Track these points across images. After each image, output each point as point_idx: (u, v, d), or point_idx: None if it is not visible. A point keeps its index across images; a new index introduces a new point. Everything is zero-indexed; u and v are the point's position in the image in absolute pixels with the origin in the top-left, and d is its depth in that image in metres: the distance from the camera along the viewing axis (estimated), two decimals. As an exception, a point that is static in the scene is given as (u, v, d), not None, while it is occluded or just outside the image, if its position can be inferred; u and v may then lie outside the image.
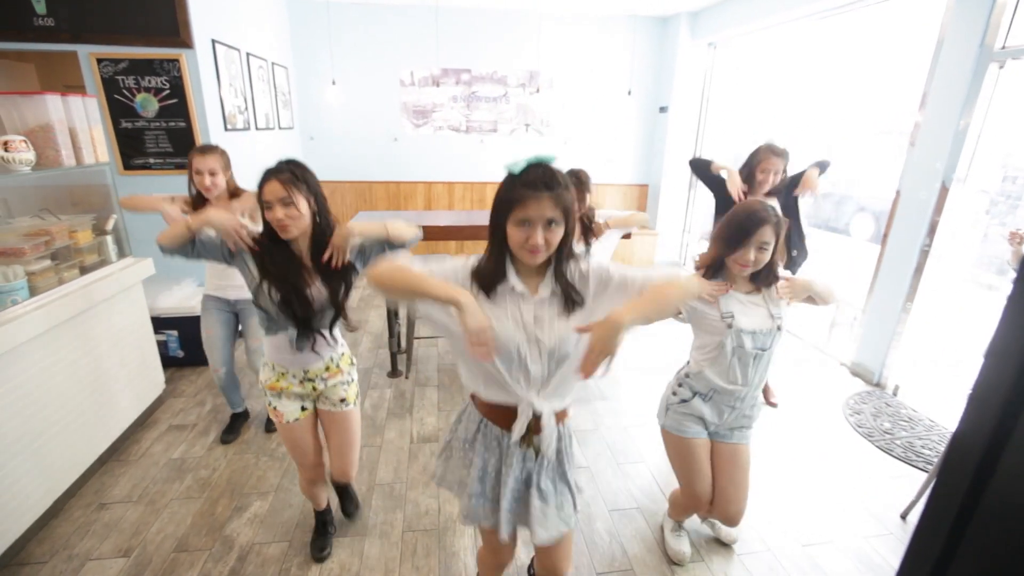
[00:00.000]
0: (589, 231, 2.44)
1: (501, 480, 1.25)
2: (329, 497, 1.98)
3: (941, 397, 3.05)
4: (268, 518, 2.04)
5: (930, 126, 2.85)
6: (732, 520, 1.77)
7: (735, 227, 1.54)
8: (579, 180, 2.34)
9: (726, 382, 1.63)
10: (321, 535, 1.92)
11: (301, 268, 1.52)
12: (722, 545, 1.97)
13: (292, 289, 1.49)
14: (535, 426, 1.19)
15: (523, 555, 1.87)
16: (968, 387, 0.46)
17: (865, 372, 3.28)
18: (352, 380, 1.73)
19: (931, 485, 2.14)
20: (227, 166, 2.18)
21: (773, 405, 2.89)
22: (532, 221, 1.04)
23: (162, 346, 3.04)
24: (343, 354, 1.70)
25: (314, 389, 1.66)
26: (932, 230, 2.86)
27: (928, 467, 2.41)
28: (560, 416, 1.25)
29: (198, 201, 2.18)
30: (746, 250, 1.52)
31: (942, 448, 2.56)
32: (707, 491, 1.74)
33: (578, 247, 2.39)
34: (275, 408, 1.65)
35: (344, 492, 2.05)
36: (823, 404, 2.98)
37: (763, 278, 1.61)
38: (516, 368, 1.13)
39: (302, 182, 1.44)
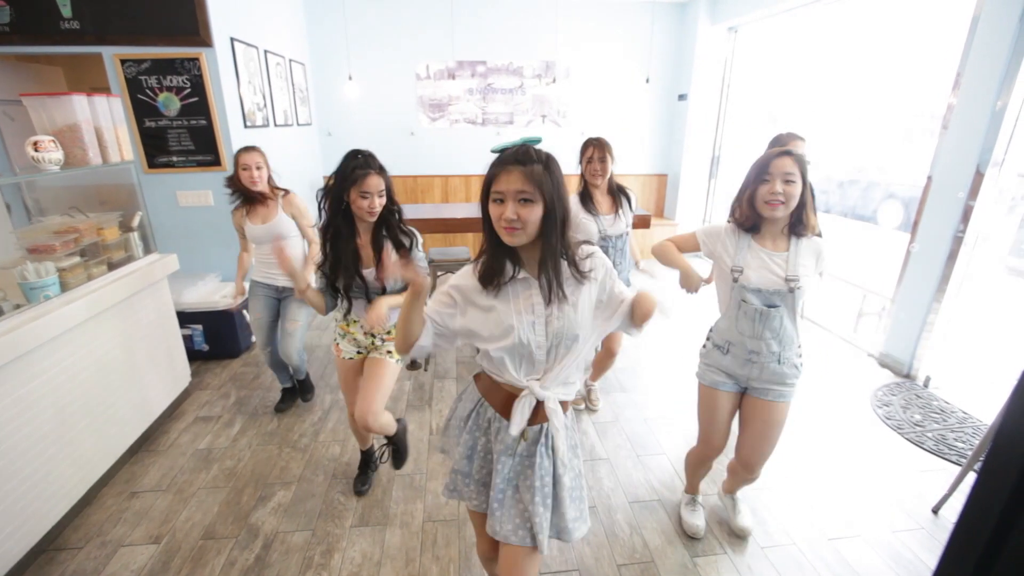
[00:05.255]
0: (619, 197, 2.45)
1: (488, 462, 1.25)
2: (374, 439, 2.24)
3: (975, 388, 2.94)
4: (292, 507, 2.08)
5: (964, 108, 2.73)
6: (751, 468, 1.77)
7: (755, 166, 1.53)
8: (600, 144, 2.35)
9: (736, 335, 1.64)
10: (363, 472, 2.21)
11: (359, 249, 1.77)
12: (746, 538, 1.94)
13: (354, 268, 1.73)
14: (535, 417, 1.17)
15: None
16: (1008, 379, 0.43)
17: (894, 363, 3.18)
18: None
19: (966, 479, 2.07)
20: (267, 163, 2.45)
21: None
22: (503, 195, 1.02)
23: (187, 340, 3.11)
24: None
25: (373, 344, 1.94)
26: (966, 216, 2.75)
27: (962, 460, 2.33)
28: (564, 405, 1.22)
29: (246, 200, 2.44)
30: (771, 183, 1.48)
31: (976, 441, 2.47)
32: (720, 440, 1.78)
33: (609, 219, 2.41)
34: (338, 344, 1.98)
35: (394, 446, 2.20)
36: (850, 396, 2.90)
37: (797, 224, 1.55)
38: (522, 356, 1.13)
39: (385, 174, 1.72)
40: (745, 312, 1.59)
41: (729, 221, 1.66)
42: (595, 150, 2.35)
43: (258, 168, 2.36)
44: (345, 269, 1.73)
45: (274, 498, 2.13)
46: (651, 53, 5.48)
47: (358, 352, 1.96)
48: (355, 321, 1.91)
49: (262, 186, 2.40)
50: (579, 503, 1.25)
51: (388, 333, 1.92)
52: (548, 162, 1.05)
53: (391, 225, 1.79)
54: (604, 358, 2.68)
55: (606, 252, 2.46)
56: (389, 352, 1.93)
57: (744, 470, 1.80)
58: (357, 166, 1.67)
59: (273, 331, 2.62)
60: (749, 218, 1.58)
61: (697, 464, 1.94)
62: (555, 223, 1.06)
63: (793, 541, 1.93)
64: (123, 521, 2.01)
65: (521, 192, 1.01)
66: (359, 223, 1.76)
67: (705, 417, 1.79)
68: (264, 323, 2.58)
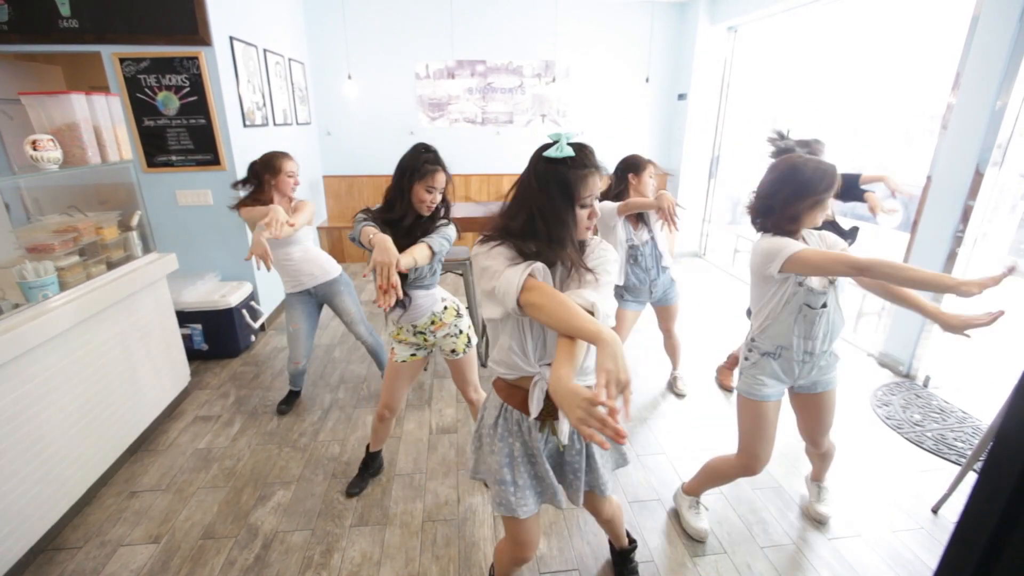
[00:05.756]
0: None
1: (532, 461, 1.27)
2: (382, 449, 2.27)
3: (974, 388, 2.95)
4: (291, 507, 2.08)
5: (964, 108, 2.73)
6: (817, 444, 1.87)
7: (819, 177, 1.50)
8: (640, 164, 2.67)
9: (789, 338, 1.63)
10: (360, 476, 2.19)
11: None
12: (745, 539, 1.94)
13: None
14: (554, 409, 1.19)
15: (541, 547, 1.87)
16: (1008, 378, 0.43)
17: (893, 363, 3.19)
18: (459, 332, 1.96)
19: (966, 479, 2.07)
20: None
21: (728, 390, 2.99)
22: (595, 198, 1.13)
23: (187, 339, 3.10)
24: (445, 308, 1.94)
25: (425, 340, 1.96)
26: (965, 216, 2.75)
27: (961, 460, 2.33)
28: None
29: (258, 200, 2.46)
30: (827, 202, 1.53)
31: (976, 441, 2.47)
32: (768, 453, 1.74)
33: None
34: (393, 349, 2.01)
35: None
36: (850, 395, 2.90)
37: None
38: (537, 337, 1.17)
39: None
40: (805, 316, 1.60)
41: (769, 233, 1.61)
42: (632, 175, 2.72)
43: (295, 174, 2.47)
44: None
45: (274, 498, 2.13)
46: (651, 53, 5.47)
47: (412, 355, 1.98)
48: (401, 328, 1.95)
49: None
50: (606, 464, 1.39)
51: (432, 323, 1.91)
52: None
53: (435, 216, 1.80)
54: (668, 345, 2.91)
55: (635, 259, 2.56)
56: (453, 351, 1.96)
57: (812, 447, 1.90)
58: (428, 160, 1.70)
59: (311, 342, 2.66)
60: (783, 225, 1.58)
61: (732, 476, 1.86)
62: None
63: (792, 540, 1.93)
64: (122, 521, 2.01)
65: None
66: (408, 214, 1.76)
67: (754, 432, 1.73)
68: (303, 332, 2.60)
